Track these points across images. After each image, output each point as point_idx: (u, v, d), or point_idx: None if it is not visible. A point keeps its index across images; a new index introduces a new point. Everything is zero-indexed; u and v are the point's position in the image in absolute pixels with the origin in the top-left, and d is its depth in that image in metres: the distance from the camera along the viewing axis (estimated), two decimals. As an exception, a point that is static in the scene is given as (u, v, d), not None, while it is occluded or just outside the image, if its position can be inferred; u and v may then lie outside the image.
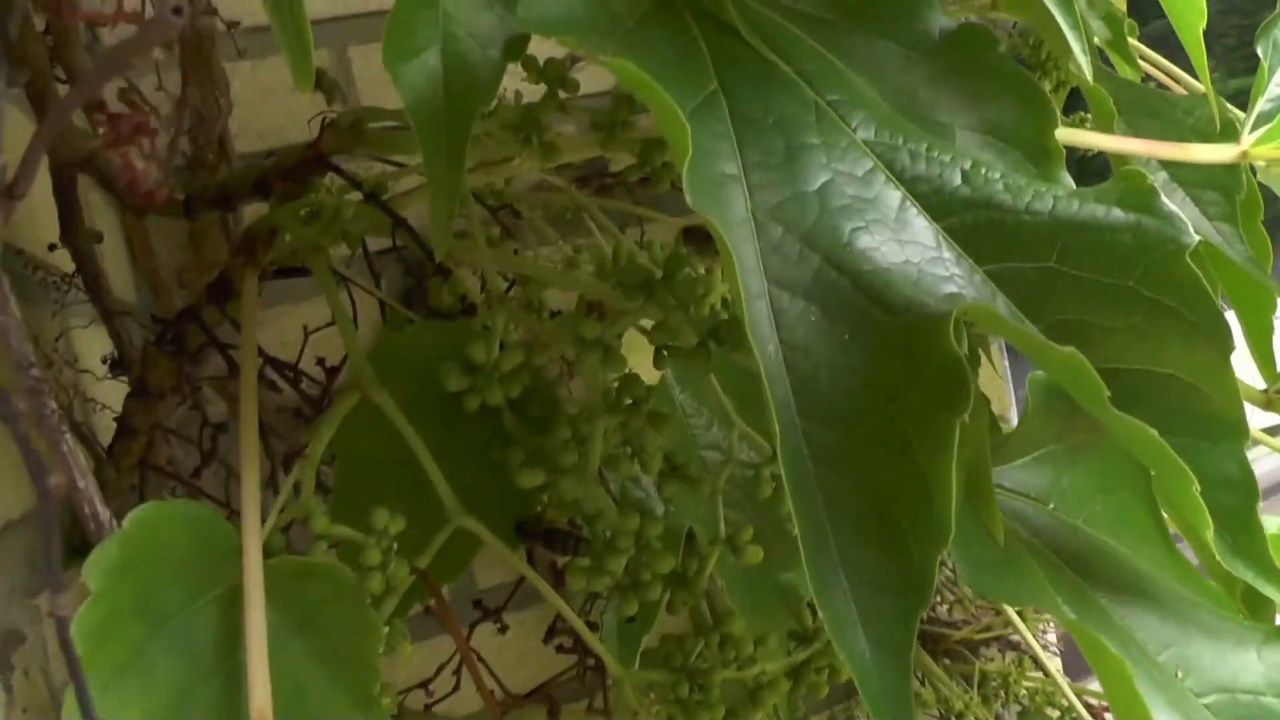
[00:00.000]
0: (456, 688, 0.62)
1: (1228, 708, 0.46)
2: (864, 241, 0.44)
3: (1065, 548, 0.47)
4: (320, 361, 0.62)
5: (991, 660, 1.02)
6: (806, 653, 0.56)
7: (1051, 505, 0.49)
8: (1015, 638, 1.06)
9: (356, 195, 0.56)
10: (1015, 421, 1.37)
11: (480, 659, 0.52)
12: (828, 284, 0.43)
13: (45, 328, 0.60)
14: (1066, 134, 0.55)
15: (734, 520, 0.53)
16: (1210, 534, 0.44)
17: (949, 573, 1.05)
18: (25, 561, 0.50)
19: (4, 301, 0.36)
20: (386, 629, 0.45)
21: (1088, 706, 1.03)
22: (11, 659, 0.44)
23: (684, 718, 0.50)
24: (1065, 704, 0.97)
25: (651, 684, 0.50)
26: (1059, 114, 0.54)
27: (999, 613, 1.03)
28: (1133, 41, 0.75)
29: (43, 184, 0.60)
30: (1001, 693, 0.99)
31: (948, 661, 1.02)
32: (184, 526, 0.41)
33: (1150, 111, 0.69)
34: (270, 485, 0.57)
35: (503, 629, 0.63)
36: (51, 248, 0.60)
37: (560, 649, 0.64)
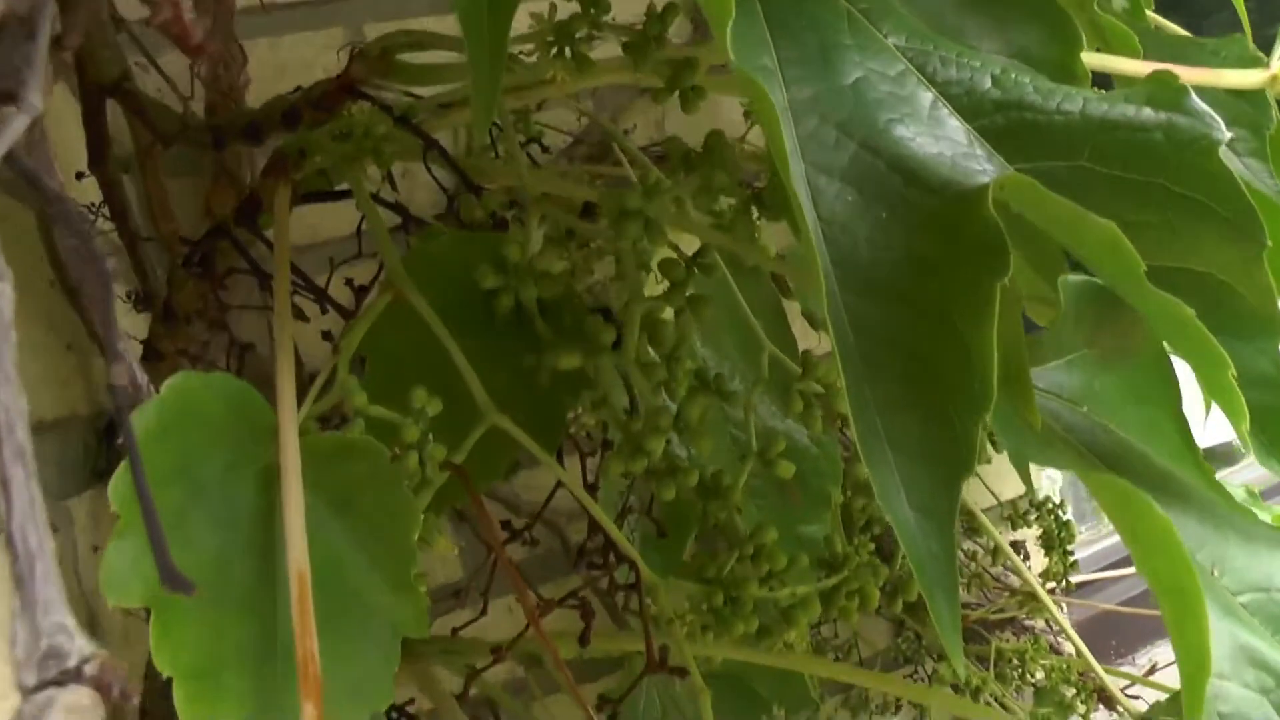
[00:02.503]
0: (484, 611, 0.61)
1: (1263, 606, 0.46)
2: (899, 131, 0.44)
3: (1099, 445, 0.47)
4: (349, 282, 0.62)
5: (1006, 641, 1.01)
6: (837, 578, 0.56)
7: (1085, 408, 0.49)
8: (1030, 621, 1.06)
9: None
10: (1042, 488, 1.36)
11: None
12: (864, 167, 0.43)
13: (71, 259, 0.60)
14: (1092, 58, 0.55)
15: (764, 434, 0.53)
16: (1246, 427, 0.44)
17: (961, 556, 1.04)
18: (56, 465, 0.50)
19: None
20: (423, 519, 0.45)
21: (1100, 689, 1.02)
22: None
23: (718, 627, 0.49)
24: (1081, 682, 0.97)
25: (685, 594, 0.49)
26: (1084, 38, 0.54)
27: (1014, 593, 1.03)
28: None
29: (71, 112, 0.60)
30: (1018, 672, 0.99)
31: (964, 643, 1.01)
32: (221, 399, 0.41)
33: (1176, 55, 0.70)
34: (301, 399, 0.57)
35: (533, 542, 0.62)
36: (79, 176, 0.60)
37: (591, 565, 0.63)
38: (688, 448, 0.47)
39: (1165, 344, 0.48)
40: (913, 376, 0.39)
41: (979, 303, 0.39)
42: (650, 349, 0.50)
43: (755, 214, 0.44)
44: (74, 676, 0.23)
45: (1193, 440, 0.53)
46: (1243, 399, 0.43)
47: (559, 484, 0.53)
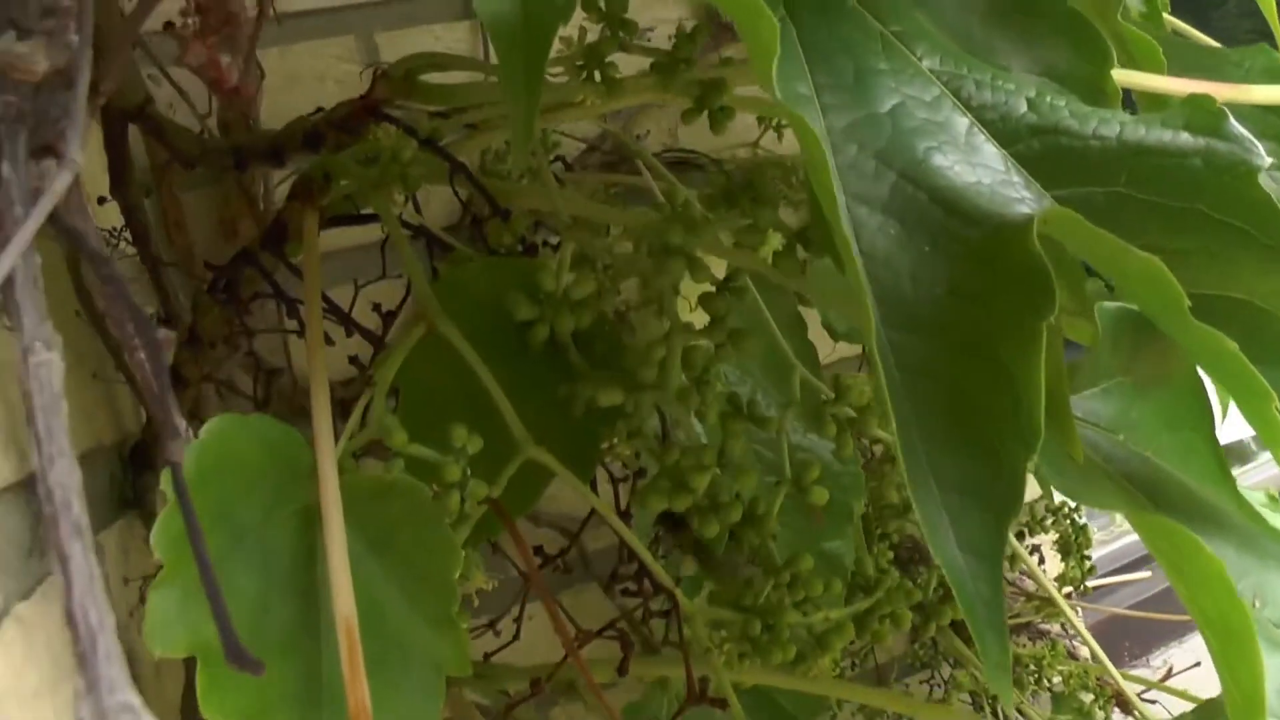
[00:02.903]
0: (517, 636, 0.61)
1: (1306, 637, 0.45)
2: (938, 160, 0.44)
3: (1137, 475, 0.47)
4: (376, 307, 0.61)
5: (1023, 646, 1.01)
6: (869, 601, 0.55)
7: (1121, 436, 0.49)
8: (1045, 625, 1.06)
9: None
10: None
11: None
12: (905, 198, 0.43)
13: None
14: (1123, 75, 0.54)
15: (798, 462, 0.53)
16: (1289, 454, 0.44)
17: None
18: (83, 499, 0.49)
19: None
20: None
21: (1118, 694, 1.02)
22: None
23: (755, 655, 0.49)
24: (1098, 687, 0.97)
25: (722, 622, 0.49)
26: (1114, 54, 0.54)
27: (1030, 598, 1.03)
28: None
29: (94, 139, 0.60)
30: (1034, 677, 0.98)
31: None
32: (258, 441, 0.40)
33: (1200, 65, 0.69)
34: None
35: (567, 570, 0.62)
36: (101, 201, 0.59)
37: (625, 592, 0.63)
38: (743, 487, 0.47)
39: (1202, 371, 0.47)
40: (959, 414, 0.39)
41: (1025, 338, 0.38)
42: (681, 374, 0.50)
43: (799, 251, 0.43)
44: (143, 759, 0.23)
45: (1227, 466, 0.52)
46: (1285, 429, 0.43)
47: (592, 512, 0.53)
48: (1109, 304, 0.50)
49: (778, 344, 0.57)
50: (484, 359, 0.49)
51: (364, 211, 0.58)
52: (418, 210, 0.64)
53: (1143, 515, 0.38)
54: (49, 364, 0.28)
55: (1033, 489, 1.06)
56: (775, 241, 0.64)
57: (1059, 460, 0.43)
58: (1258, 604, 0.45)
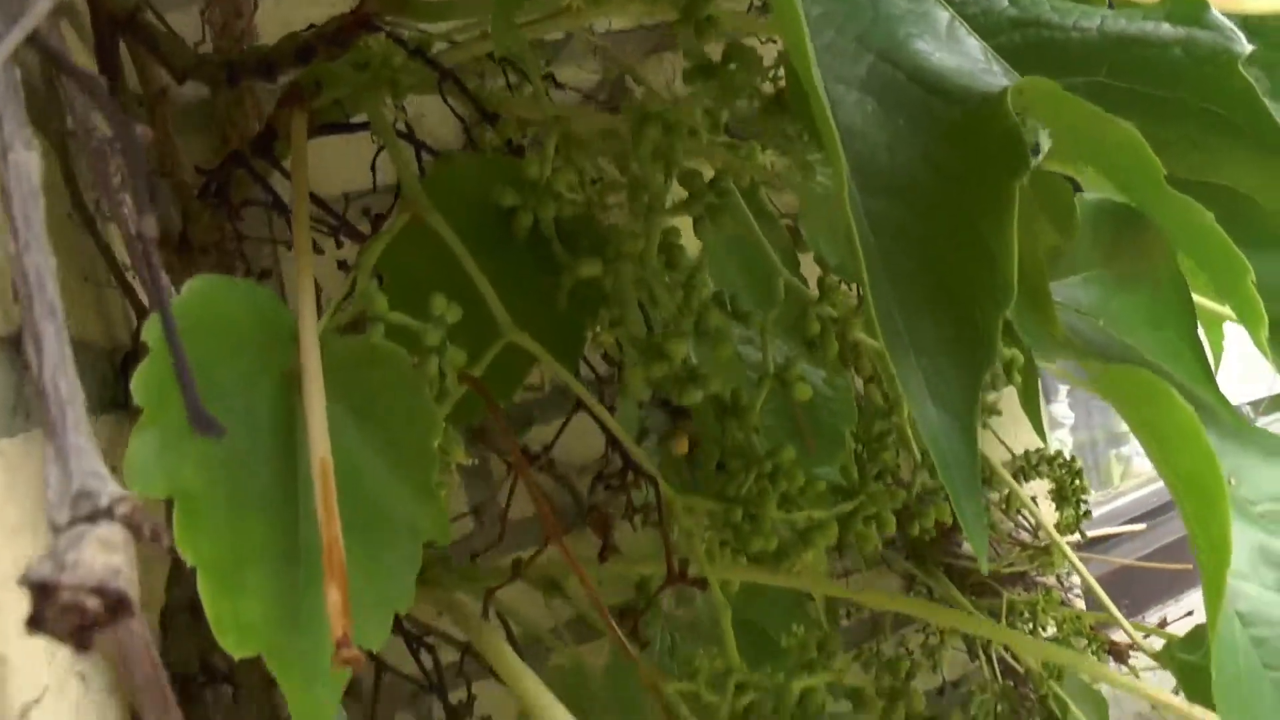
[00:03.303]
0: (501, 538, 0.61)
1: None
2: (918, 45, 0.44)
3: (1116, 356, 0.47)
4: (365, 211, 0.62)
5: (1019, 595, 1.01)
6: (854, 503, 0.56)
7: (1101, 322, 0.49)
8: (1041, 577, 1.06)
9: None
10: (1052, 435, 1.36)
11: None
12: (883, 77, 0.43)
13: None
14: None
15: (783, 359, 0.53)
16: (1264, 334, 0.44)
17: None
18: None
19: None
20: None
21: (1113, 644, 1.02)
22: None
23: (737, 544, 0.49)
24: (1092, 635, 0.97)
25: (704, 510, 0.49)
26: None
27: (1025, 547, 1.03)
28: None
29: (84, 51, 0.60)
30: (1029, 626, 0.99)
31: (974, 598, 1.02)
32: (242, 304, 0.41)
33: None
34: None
35: (549, 465, 0.62)
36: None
37: (608, 486, 0.63)
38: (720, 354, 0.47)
39: (1182, 255, 0.48)
40: (933, 276, 0.39)
41: (999, 203, 0.39)
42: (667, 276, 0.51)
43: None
44: (105, 515, 0.23)
45: (1209, 368, 0.52)
46: (1262, 307, 0.43)
47: (578, 404, 0.53)
48: (1089, 195, 0.50)
49: (763, 250, 0.57)
50: (470, 252, 0.49)
51: (354, 120, 0.58)
52: (411, 133, 0.64)
53: (1115, 366, 0.39)
54: (27, 161, 0.28)
55: (1029, 439, 1.07)
56: (764, 158, 0.64)
57: (1034, 330, 0.43)
58: (1234, 483, 0.45)
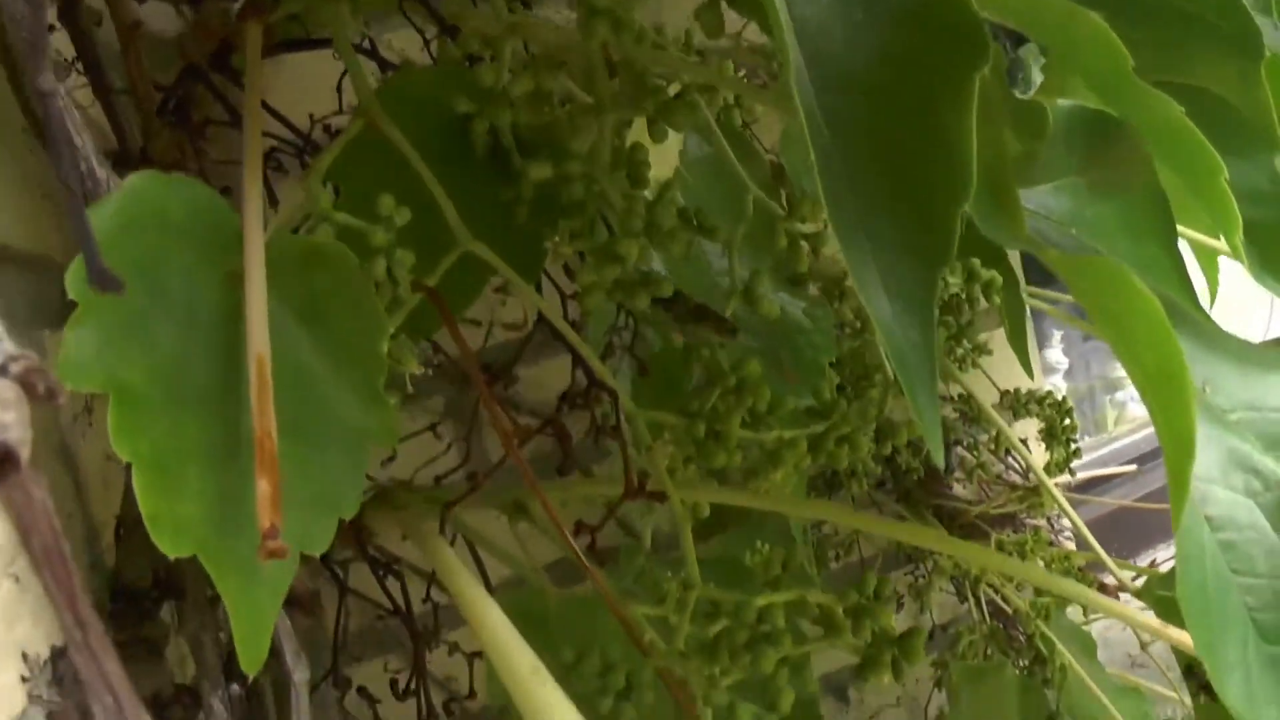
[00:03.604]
0: (467, 459, 0.60)
1: (1254, 423, 0.44)
2: (875, -67, 0.43)
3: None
4: (326, 128, 0.61)
5: (1007, 536, 1.01)
6: (824, 425, 0.55)
7: (1075, 231, 0.48)
8: (1031, 519, 1.05)
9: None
10: (1045, 382, 1.35)
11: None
12: (837, -31, 0.42)
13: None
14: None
15: (751, 273, 0.52)
16: (1239, 237, 0.43)
17: (964, 452, 1.03)
18: (28, 299, 0.49)
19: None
20: (393, 337, 0.44)
21: (1102, 586, 1.01)
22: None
23: (700, 459, 0.49)
24: (1081, 575, 0.96)
25: (666, 425, 0.48)
26: None
27: (1014, 488, 1.02)
28: None
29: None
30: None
31: (964, 539, 1.01)
32: (184, 202, 0.40)
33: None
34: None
35: (510, 383, 0.62)
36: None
37: (574, 405, 0.62)
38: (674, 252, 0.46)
39: (1155, 153, 0.46)
40: (891, 168, 0.38)
41: (958, 93, 0.38)
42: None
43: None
44: (-1, 372, 0.22)
45: (1188, 277, 0.51)
46: (1235, 206, 0.42)
47: (540, 318, 0.52)
48: (1063, 101, 0.49)
49: (733, 169, 0.56)
50: (427, 164, 0.48)
51: (315, 37, 0.57)
52: (375, 51, 0.63)
53: (1075, 257, 0.37)
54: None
55: (1019, 375, 1.06)
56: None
57: (997, 226, 0.42)
58: (1207, 390, 0.44)
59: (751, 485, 0.51)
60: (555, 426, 0.51)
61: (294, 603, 0.51)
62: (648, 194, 0.49)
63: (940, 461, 0.37)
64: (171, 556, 0.36)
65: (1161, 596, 0.69)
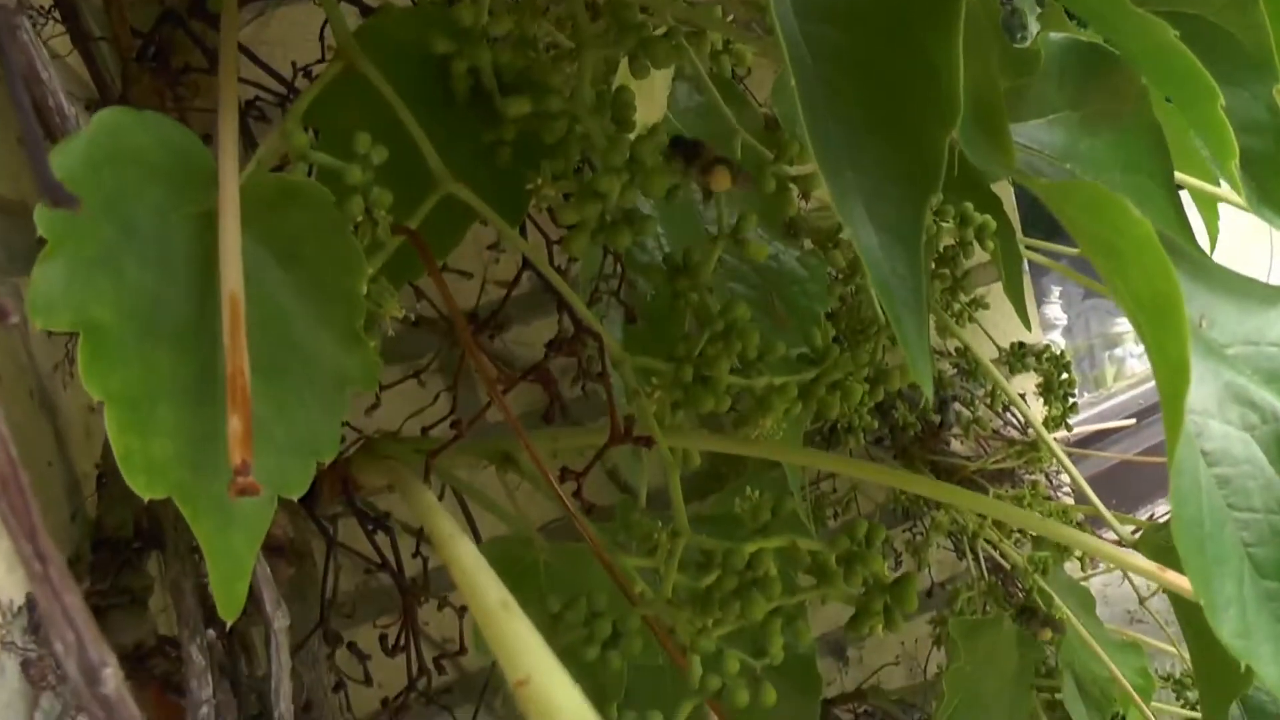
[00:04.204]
0: (454, 410, 0.60)
1: (1252, 358, 0.44)
2: None
3: (1079, 192, 0.45)
4: (305, 71, 0.60)
5: (1005, 492, 1.00)
6: (816, 370, 0.54)
7: (1068, 165, 0.47)
8: (1029, 475, 1.04)
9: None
10: (1044, 339, 1.34)
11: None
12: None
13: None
14: None
15: (738, 216, 0.51)
16: (1235, 163, 0.42)
17: (961, 408, 1.03)
18: (5, 245, 0.48)
19: None
20: (373, 280, 0.43)
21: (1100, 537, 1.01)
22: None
23: (687, 404, 0.48)
24: (1080, 530, 0.95)
25: (653, 370, 0.48)
26: None
27: (1012, 443, 1.01)
28: None
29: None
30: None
31: (963, 497, 1.00)
32: (156, 140, 0.39)
33: None
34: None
35: (497, 331, 0.61)
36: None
37: (561, 351, 0.62)
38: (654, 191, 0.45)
39: (1150, 80, 0.45)
40: (875, 96, 0.37)
41: (943, 16, 0.37)
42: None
43: None
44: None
45: (1184, 214, 0.50)
46: (1231, 133, 0.41)
47: (526, 264, 0.52)
48: (1055, 34, 0.48)
49: (720, 112, 0.55)
50: (407, 106, 0.47)
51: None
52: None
53: (1067, 184, 0.37)
54: None
55: (1017, 331, 1.05)
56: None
57: (987, 156, 0.41)
58: (1204, 324, 0.43)
59: (742, 433, 0.51)
60: (540, 373, 0.50)
61: (276, 550, 0.50)
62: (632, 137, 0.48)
63: (929, 392, 0.36)
64: (145, 498, 0.35)
65: (1159, 545, 0.68)
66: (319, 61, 0.60)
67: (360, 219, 0.41)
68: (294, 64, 0.61)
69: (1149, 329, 0.36)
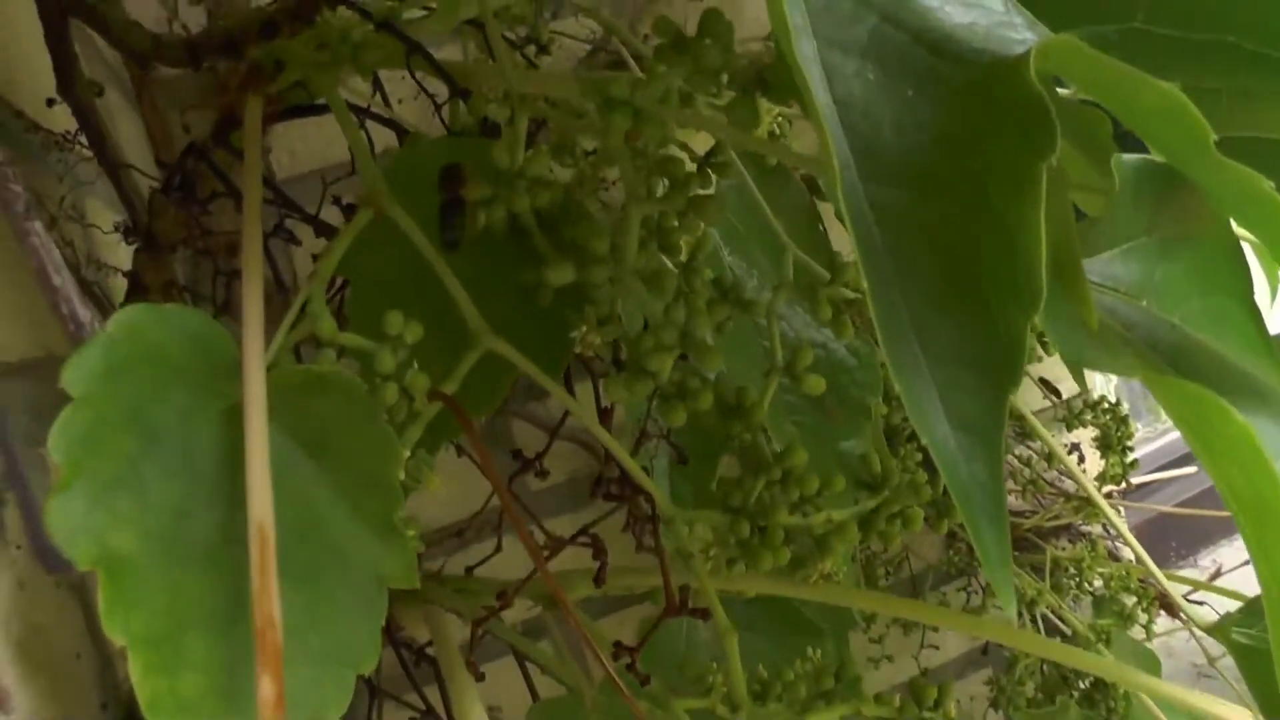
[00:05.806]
0: (499, 549, 0.57)
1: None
2: (926, 1, 0.39)
3: (1164, 342, 0.42)
4: (336, 200, 0.57)
5: (1062, 549, 0.97)
6: (876, 500, 0.51)
7: (1145, 302, 0.44)
8: (1086, 527, 1.01)
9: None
10: (1097, 386, 1.31)
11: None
12: (885, 41, 0.38)
13: (51, 190, 0.56)
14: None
15: (791, 348, 0.48)
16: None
17: (1017, 461, 0.99)
18: (30, 410, 0.46)
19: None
20: (409, 456, 0.41)
21: (1162, 595, 0.97)
22: (5, 494, 0.40)
23: (745, 560, 0.45)
24: (1141, 589, 0.92)
25: (707, 524, 0.45)
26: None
27: (1069, 499, 0.98)
28: None
29: (35, 35, 0.56)
30: (1075, 581, 0.94)
31: (1017, 553, 0.97)
32: (177, 333, 0.37)
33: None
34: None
35: (543, 473, 0.58)
36: (50, 103, 0.56)
37: (608, 495, 0.59)
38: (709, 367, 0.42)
39: (1234, 222, 0.42)
40: (948, 272, 0.34)
41: (1023, 183, 0.34)
42: (666, 260, 0.46)
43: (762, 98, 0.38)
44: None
45: (1267, 332, 0.47)
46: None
47: (567, 413, 0.49)
48: (1128, 156, 0.45)
49: (769, 225, 0.53)
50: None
51: (320, 101, 0.54)
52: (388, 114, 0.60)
53: (1162, 379, 0.34)
54: None
55: (1070, 386, 1.01)
56: (767, 121, 0.59)
57: (1069, 326, 0.38)
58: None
59: (800, 575, 0.48)
60: (591, 538, 0.48)
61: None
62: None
63: (1011, 611, 0.34)
64: (175, 743, 0.33)
65: (1241, 645, 0.66)
66: (350, 174, 0.58)
67: (394, 404, 0.39)
68: (321, 174, 0.58)
69: (1250, 529, 0.33)
